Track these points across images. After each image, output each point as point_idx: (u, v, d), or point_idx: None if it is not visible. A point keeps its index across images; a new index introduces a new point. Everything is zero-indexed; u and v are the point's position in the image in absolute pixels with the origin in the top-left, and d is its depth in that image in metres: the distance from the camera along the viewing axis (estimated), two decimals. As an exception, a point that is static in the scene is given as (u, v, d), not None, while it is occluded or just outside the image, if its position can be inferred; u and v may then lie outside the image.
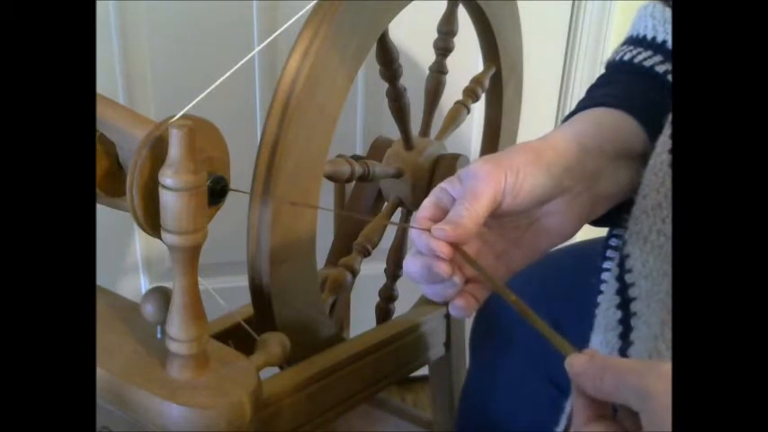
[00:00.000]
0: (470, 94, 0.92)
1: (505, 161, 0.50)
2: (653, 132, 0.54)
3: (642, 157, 0.55)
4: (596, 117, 0.56)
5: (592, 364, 0.42)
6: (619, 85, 0.59)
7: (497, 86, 0.95)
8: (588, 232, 0.64)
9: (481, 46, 0.93)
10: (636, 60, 0.59)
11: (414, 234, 0.50)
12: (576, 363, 0.43)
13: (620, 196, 0.56)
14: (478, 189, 0.49)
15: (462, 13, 0.88)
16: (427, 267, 0.49)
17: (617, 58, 0.61)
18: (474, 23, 0.90)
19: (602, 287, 0.57)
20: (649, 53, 0.59)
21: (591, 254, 0.60)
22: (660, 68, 0.58)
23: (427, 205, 0.52)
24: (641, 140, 0.55)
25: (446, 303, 0.52)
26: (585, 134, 0.54)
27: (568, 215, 0.53)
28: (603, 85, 0.60)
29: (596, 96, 0.58)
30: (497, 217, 0.52)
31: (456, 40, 0.89)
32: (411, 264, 0.50)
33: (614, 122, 0.55)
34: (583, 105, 0.58)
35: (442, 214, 0.50)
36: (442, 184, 0.52)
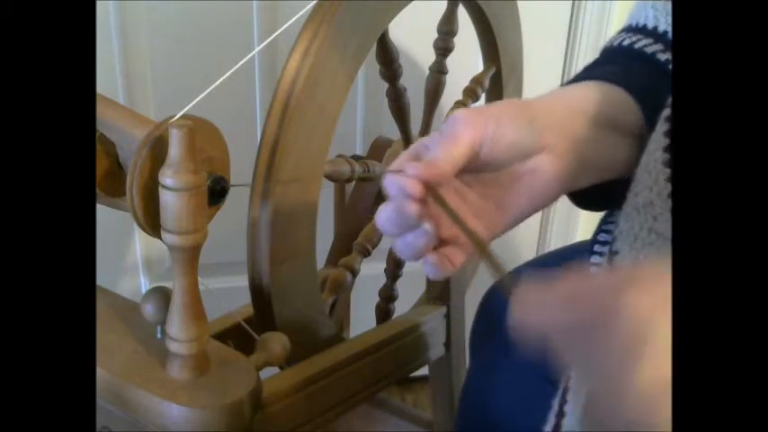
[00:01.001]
0: (470, 94, 0.92)
1: (487, 110, 0.49)
2: (648, 114, 0.53)
3: (634, 136, 0.54)
4: (587, 86, 0.55)
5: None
6: (616, 65, 0.58)
7: (497, 86, 0.95)
8: (588, 232, 0.64)
9: (481, 46, 0.93)
10: (636, 46, 0.58)
11: (386, 181, 0.48)
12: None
13: (605, 170, 0.54)
14: (457, 132, 0.48)
15: (462, 13, 0.88)
16: (397, 210, 0.47)
17: (615, 43, 0.60)
18: (474, 23, 0.90)
19: None
20: (650, 40, 0.58)
21: (588, 253, 0.60)
22: (662, 57, 0.57)
23: (404, 155, 0.50)
24: (633, 115, 0.54)
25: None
26: (574, 98, 0.53)
27: (552, 175, 0.52)
28: (600, 65, 0.60)
29: (593, 73, 0.57)
30: (478, 171, 0.51)
31: (456, 40, 0.89)
32: (383, 211, 0.48)
33: (606, 94, 0.54)
34: (578, 80, 0.57)
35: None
36: (422, 139, 0.51)
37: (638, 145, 0.54)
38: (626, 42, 0.59)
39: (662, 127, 0.51)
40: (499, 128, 0.49)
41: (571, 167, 0.52)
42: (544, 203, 0.53)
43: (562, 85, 0.57)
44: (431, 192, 0.47)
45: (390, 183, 0.47)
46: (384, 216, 0.48)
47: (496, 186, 0.52)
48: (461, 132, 0.48)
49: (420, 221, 0.47)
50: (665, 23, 0.58)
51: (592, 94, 0.54)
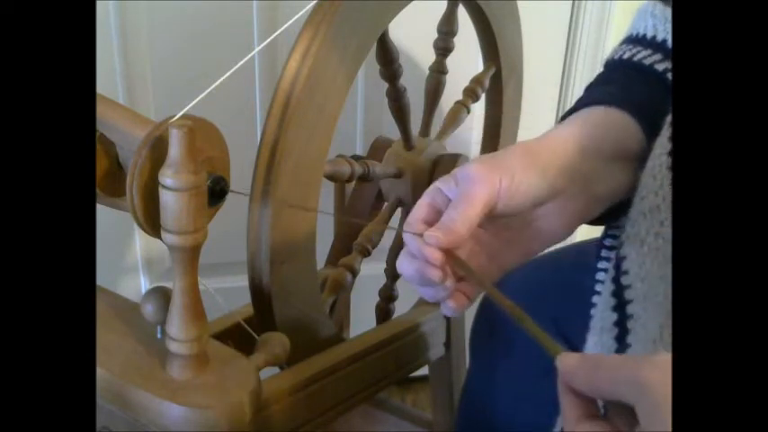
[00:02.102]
0: (470, 94, 0.92)
1: (501, 163, 0.50)
2: (651, 131, 0.54)
3: (638, 159, 0.55)
4: (594, 117, 0.55)
5: (584, 361, 0.42)
6: (617, 83, 0.58)
7: (497, 86, 0.95)
8: (589, 232, 0.64)
9: (481, 46, 0.93)
10: (635, 59, 0.59)
11: (406, 236, 0.50)
12: (566, 361, 0.43)
13: (614, 198, 0.56)
14: (473, 192, 0.49)
15: (462, 13, 0.88)
16: (419, 272, 0.49)
17: (616, 56, 0.61)
18: (474, 23, 0.90)
19: (598, 288, 0.57)
20: (649, 51, 0.59)
21: (589, 254, 0.60)
22: (660, 66, 0.57)
23: (422, 205, 0.51)
24: (638, 140, 0.55)
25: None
26: (583, 135, 0.54)
27: (562, 217, 0.53)
28: (602, 84, 0.60)
29: (594, 94, 0.58)
30: (491, 219, 0.52)
31: (456, 40, 0.89)
32: (404, 265, 0.50)
33: (612, 122, 0.55)
34: (582, 103, 0.57)
35: (435, 215, 0.50)
36: (437, 184, 0.52)
37: (642, 166, 0.55)
38: (626, 55, 0.60)
39: (666, 132, 0.51)
40: (513, 182, 0.50)
41: (581, 207, 0.54)
42: (556, 241, 0.55)
43: (565, 115, 0.58)
44: (450, 256, 0.49)
45: (412, 245, 0.49)
46: (407, 273, 0.50)
47: (508, 229, 0.54)
48: (477, 192, 0.49)
49: (441, 283, 0.49)
50: (663, 31, 0.58)
51: (595, 127, 0.54)
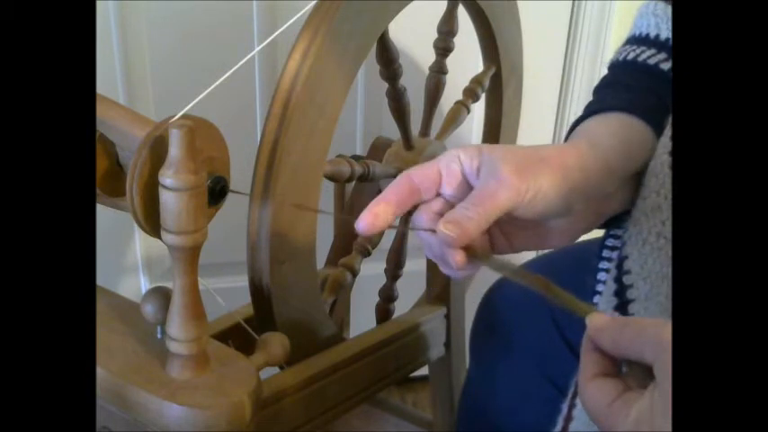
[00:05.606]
0: (470, 94, 0.92)
1: (532, 175, 0.49)
2: (659, 132, 0.54)
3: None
4: (622, 132, 0.55)
5: (613, 321, 0.44)
6: (625, 86, 0.58)
7: (497, 86, 0.95)
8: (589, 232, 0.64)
9: (481, 46, 0.93)
10: (640, 59, 0.59)
11: (419, 224, 0.51)
12: (595, 320, 0.44)
13: (615, 213, 0.57)
14: (497, 195, 0.48)
15: (462, 13, 0.88)
16: (440, 258, 0.50)
17: (620, 57, 0.61)
18: (474, 23, 0.90)
19: (600, 287, 0.57)
20: (653, 51, 0.58)
21: (590, 254, 0.60)
22: (665, 66, 0.57)
23: (433, 171, 0.51)
24: (651, 149, 0.55)
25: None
26: (614, 152, 0.53)
27: (570, 229, 0.54)
28: (609, 86, 0.60)
29: (607, 99, 0.57)
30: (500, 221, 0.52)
31: (456, 40, 0.89)
32: (427, 249, 0.52)
33: (639, 137, 0.55)
34: (594, 108, 0.57)
35: (441, 182, 0.51)
36: (461, 155, 0.51)
37: None
38: (630, 56, 0.60)
39: (668, 131, 0.51)
40: (537, 197, 0.49)
41: (590, 221, 0.55)
42: (558, 246, 0.55)
43: (577, 121, 0.57)
44: (466, 249, 0.49)
45: (432, 244, 0.50)
46: (428, 254, 0.52)
47: (514, 228, 0.54)
48: (501, 196, 0.48)
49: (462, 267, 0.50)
50: (666, 30, 0.58)
51: (627, 145, 0.54)
